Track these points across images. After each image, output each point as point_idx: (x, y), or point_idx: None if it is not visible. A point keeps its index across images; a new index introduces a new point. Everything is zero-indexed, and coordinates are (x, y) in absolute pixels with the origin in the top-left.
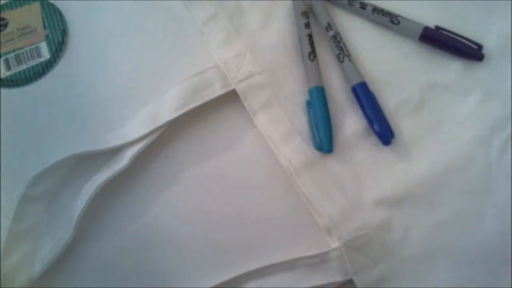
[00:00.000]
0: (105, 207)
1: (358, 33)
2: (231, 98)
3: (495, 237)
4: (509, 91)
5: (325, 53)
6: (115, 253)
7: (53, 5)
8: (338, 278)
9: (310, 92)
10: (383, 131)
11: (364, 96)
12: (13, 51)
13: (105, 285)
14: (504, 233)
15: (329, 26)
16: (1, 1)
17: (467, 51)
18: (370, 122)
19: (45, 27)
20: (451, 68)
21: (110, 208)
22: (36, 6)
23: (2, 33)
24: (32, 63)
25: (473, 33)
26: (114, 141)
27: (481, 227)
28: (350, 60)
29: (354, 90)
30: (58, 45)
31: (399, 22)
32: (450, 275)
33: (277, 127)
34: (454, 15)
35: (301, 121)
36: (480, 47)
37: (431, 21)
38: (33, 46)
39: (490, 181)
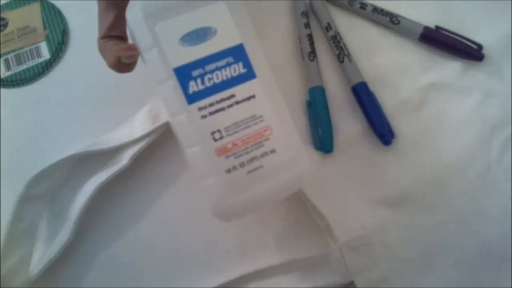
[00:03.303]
0: (105, 207)
1: (358, 33)
2: None
3: (495, 237)
4: (509, 91)
5: (325, 53)
6: (114, 253)
7: (53, 5)
8: (338, 279)
9: (311, 92)
10: (383, 131)
11: (364, 96)
12: (13, 51)
13: (104, 285)
14: (505, 234)
15: (329, 26)
16: (1, 1)
17: (467, 51)
18: (371, 122)
19: (45, 27)
20: (451, 68)
21: (110, 208)
22: (36, 6)
23: (2, 33)
24: (32, 63)
25: (473, 33)
26: (114, 141)
27: (481, 227)
28: (350, 60)
29: (354, 90)
30: (58, 45)
31: (399, 22)
32: (450, 275)
33: None
34: (454, 15)
35: (301, 121)
36: (480, 47)
37: (431, 21)
38: (33, 46)
39: (490, 181)
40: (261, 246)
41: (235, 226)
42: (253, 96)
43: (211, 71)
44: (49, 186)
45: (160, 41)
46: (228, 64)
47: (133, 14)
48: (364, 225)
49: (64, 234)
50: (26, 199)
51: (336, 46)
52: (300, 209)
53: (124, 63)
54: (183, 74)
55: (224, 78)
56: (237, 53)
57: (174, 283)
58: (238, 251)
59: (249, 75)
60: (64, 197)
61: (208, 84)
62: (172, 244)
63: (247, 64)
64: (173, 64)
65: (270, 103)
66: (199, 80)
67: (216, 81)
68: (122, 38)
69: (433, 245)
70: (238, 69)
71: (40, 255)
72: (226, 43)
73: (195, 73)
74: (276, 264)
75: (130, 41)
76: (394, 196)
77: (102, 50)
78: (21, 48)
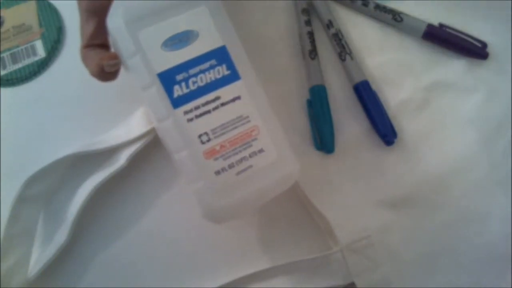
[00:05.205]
0: (104, 208)
1: (360, 30)
2: None
3: (498, 238)
4: None
5: (326, 51)
6: (113, 254)
7: (49, 3)
8: (339, 280)
9: (311, 91)
10: (385, 131)
11: (367, 95)
12: (9, 49)
13: (103, 286)
14: (507, 235)
15: (330, 24)
16: None
17: (471, 49)
18: (373, 121)
19: (40, 25)
20: (455, 67)
21: (109, 209)
22: (32, 4)
23: None
24: (27, 61)
25: (477, 32)
26: (111, 141)
27: (485, 229)
28: (352, 58)
29: (356, 89)
30: (54, 43)
31: (402, 20)
32: (453, 277)
33: None
34: (457, 14)
35: (302, 121)
36: (484, 45)
37: (434, 20)
38: (28, 44)
39: (494, 182)
40: (261, 248)
41: (235, 227)
42: (238, 97)
43: (195, 74)
44: (46, 186)
45: (143, 47)
46: (212, 67)
47: (114, 22)
48: (365, 226)
49: (62, 235)
50: (23, 200)
51: (337, 44)
52: (300, 210)
53: (106, 71)
54: (167, 78)
55: (208, 80)
56: (220, 55)
57: (173, 284)
58: (238, 252)
59: (233, 76)
60: (61, 198)
61: (192, 87)
62: (171, 245)
63: (231, 66)
64: (156, 69)
65: (256, 104)
66: (183, 84)
67: (201, 84)
68: (105, 46)
69: (435, 246)
70: (222, 71)
71: (38, 256)
72: (209, 46)
73: (179, 77)
74: (276, 265)
75: (112, 49)
76: (396, 197)
77: (84, 59)
78: (17, 46)
